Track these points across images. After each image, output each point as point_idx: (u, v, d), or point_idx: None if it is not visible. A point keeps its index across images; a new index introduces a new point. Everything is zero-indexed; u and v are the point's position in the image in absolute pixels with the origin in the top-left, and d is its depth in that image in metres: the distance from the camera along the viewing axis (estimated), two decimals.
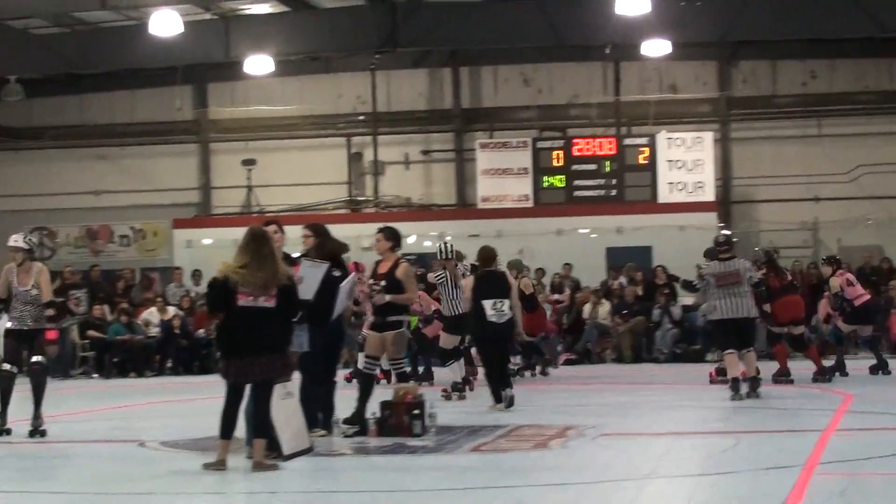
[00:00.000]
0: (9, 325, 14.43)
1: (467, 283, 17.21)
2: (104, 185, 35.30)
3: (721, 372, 19.06)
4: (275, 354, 11.28)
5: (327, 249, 13.45)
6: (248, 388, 11.49)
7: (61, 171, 35.67)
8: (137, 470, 11.84)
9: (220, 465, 11.08)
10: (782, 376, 19.08)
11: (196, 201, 34.70)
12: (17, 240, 14.15)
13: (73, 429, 16.50)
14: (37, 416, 13.90)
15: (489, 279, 17.24)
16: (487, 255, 17.03)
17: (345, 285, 13.60)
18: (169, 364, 27.31)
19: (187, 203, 34.52)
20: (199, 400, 19.57)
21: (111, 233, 35.85)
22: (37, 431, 13.96)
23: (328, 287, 12.94)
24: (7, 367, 13.92)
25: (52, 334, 14.58)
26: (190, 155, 34.90)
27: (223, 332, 11.51)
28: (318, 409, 13.15)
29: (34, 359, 14.30)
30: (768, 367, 19.21)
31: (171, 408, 19.49)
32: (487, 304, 16.83)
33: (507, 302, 16.44)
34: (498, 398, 16.20)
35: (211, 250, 27.70)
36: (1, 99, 33.42)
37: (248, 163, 33.12)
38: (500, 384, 16.39)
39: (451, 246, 18.10)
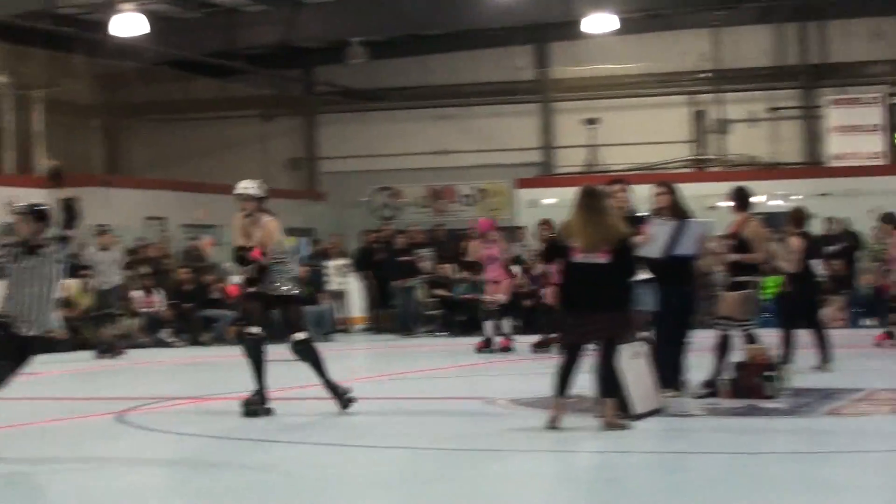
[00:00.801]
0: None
1: (796, 243, 16.95)
2: (447, 145, 35.91)
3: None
4: (613, 313, 11.20)
5: (680, 208, 13.40)
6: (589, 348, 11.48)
7: (405, 132, 36.51)
8: (485, 427, 12.04)
9: (554, 424, 11.16)
10: None
11: (539, 161, 35.15)
12: (247, 187, 12.58)
13: (420, 386, 17.02)
14: (334, 389, 12.49)
15: (811, 239, 17.59)
16: (802, 215, 17.18)
17: (696, 226, 13.45)
18: (514, 323, 27.25)
19: (530, 162, 35.08)
20: (547, 359, 19.28)
21: (455, 192, 36.57)
22: (345, 400, 12.53)
23: (676, 245, 12.90)
24: (254, 330, 12.32)
25: (232, 289, 12.19)
26: (532, 114, 35.28)
27: (562, 288, 11.64)
28: (669, 369, 13.13)
29: (295, 337, 12.76)
30: None
31: (519, 366, 19.70)
32: (815, 263, 17.30)
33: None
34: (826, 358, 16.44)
35: (554, 210, 27.36)
36: (346, 61, 34.26)
37: (591, 122, 33.28)
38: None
39: None
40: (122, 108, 38.37)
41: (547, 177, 32.78)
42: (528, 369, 18.99)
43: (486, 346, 20.58)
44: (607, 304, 11.27)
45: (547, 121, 34.27)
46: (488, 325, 21.28)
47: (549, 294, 20.36)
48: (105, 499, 9.25)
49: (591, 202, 11.33)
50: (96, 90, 36.50)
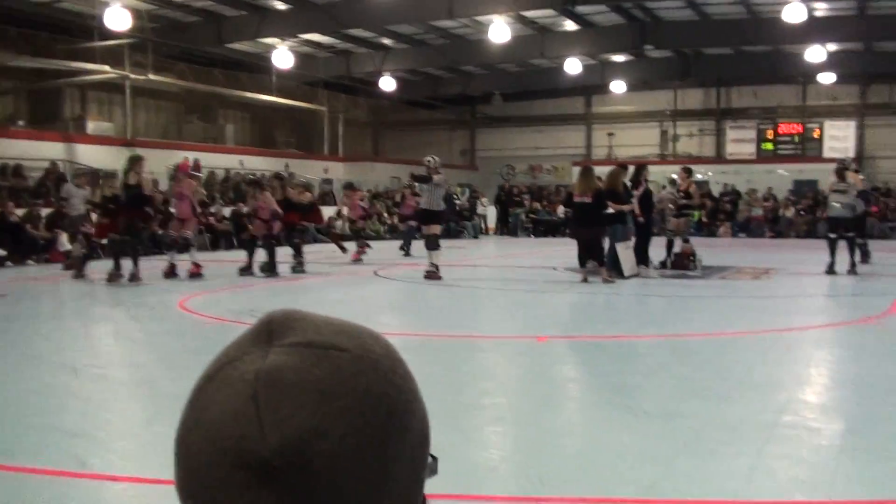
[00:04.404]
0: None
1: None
2: (540, 145, 48.38)
3: None
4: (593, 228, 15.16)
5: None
6: None
7: (520, 139, 48.54)
8: (549, 279, 16.84)
9: (584, 280, 16.54)
10: None
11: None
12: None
13: (520, 261, 22.57)
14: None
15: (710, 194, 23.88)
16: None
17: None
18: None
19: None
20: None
21: (542, 168, 49.48)
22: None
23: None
24: None
25: None
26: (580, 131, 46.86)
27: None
28: (642, 255, 19.15)
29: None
30: None
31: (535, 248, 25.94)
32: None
33: None
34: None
35: None
36: (492, 102, 46.15)
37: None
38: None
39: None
40: (384, 123, 52.30)
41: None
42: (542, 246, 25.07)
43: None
44: (591, 224, 16.01)
45: None
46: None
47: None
48: (350, 303, 14.21)
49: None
50: (370, 114, 51.22)
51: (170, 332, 12.56)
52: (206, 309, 14.28)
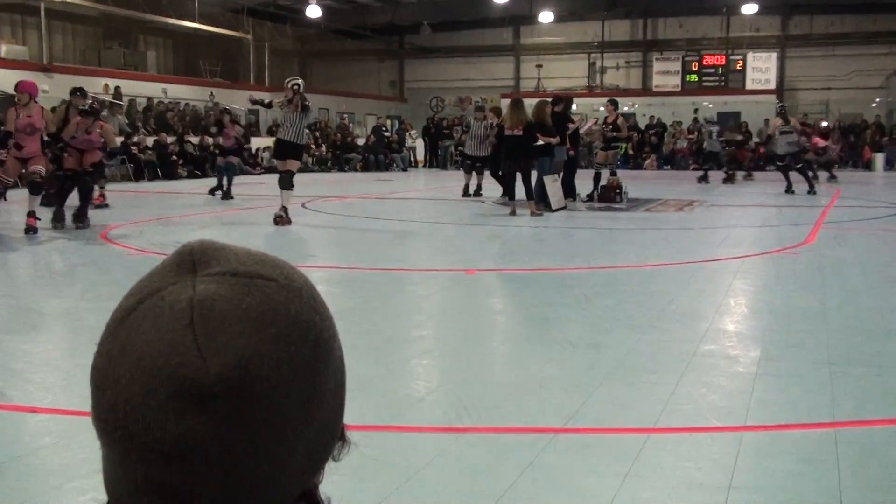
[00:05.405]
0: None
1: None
2: (470, 77, 49.83)
3: None
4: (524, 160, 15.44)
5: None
6: None
7: (444, 70, 49.98)
8: (480, 212, 17.92)
9: (512, 213, 16.46)
10: None
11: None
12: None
13: (451, 191, 23.47)
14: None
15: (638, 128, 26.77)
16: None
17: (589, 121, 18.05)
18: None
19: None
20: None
21: (471, 99, 43.39)
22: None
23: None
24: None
25: None
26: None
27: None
28: (569, 188, 19.20)
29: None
30: None
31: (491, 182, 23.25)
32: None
33: None
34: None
35: None
36: (420, 33, 45.78)
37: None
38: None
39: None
40: (311, 53, 52.86)
41: None
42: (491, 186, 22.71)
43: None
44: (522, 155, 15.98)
45: None
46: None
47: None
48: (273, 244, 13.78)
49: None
50: (297, 43, 51.46)
51: (92, 263, 12.66)
52: (130, 240, 14.42)
